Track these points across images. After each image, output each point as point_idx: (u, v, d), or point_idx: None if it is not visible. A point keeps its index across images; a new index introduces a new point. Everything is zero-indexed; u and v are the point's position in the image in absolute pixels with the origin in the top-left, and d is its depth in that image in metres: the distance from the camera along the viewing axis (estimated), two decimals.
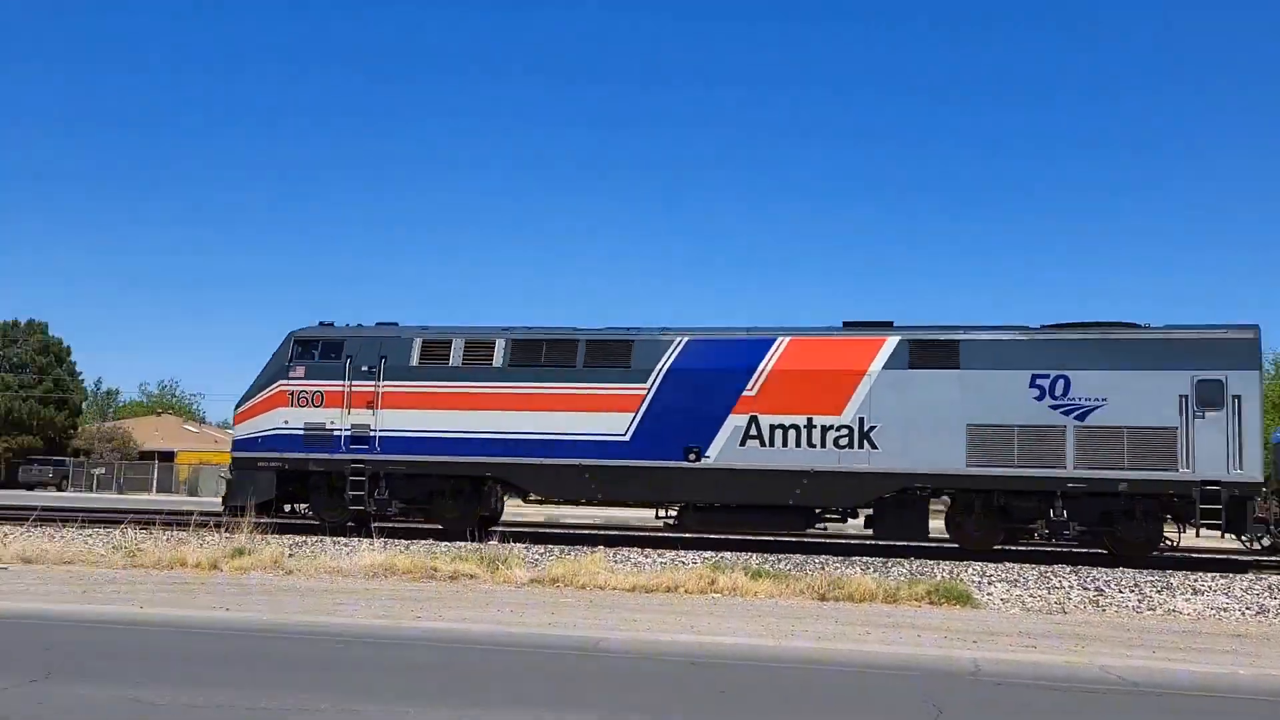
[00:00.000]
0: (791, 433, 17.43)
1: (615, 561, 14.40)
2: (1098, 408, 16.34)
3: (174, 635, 8.86)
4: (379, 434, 18.74)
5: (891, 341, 17.42)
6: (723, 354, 18.11)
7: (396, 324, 19.78)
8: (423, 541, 16.98)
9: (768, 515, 18.14)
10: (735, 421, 17.60)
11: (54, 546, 14.83)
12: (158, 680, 6.82)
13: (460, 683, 7.24)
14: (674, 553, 15.59)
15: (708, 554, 15.33)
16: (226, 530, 15.80)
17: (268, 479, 18.98)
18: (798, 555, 15.57)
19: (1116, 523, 16.62)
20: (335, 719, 5.86)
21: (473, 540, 16.94)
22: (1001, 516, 17.17)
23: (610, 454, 18.05)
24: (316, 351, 19.41)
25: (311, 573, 13.49)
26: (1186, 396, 16.09)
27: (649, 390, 17.99)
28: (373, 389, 18.87)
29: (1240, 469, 15.93)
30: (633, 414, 17.98)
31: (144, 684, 6.66)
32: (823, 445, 17.26)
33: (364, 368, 18.99)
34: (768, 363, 17.72)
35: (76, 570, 13.45)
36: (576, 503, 22.32)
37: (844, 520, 18.56)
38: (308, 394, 19.15)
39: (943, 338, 17.41)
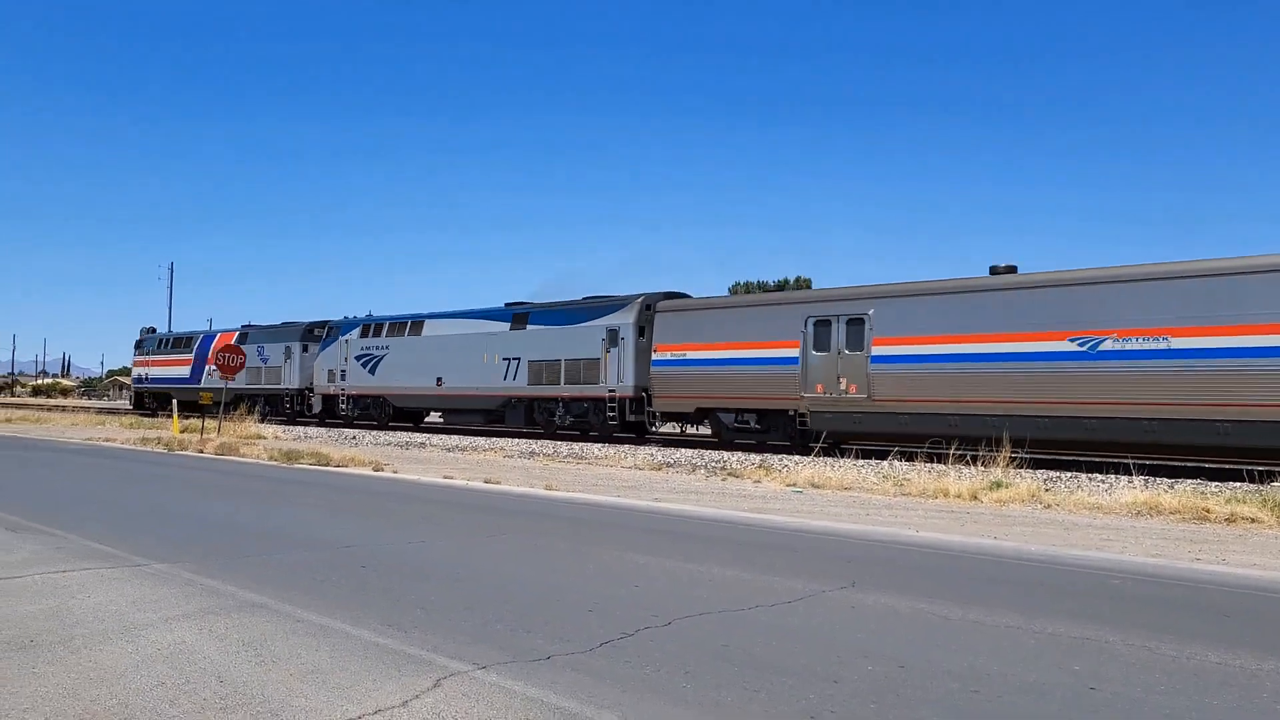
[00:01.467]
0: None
1: None
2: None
3: (945, 558, 9.52)
4: None
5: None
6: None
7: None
8: (1189, 481, 15.81)
9: None
10: None
11: (835, 474, 16.89)
12: (943, 596, 7.44)
13: (1262, 632, 6.67)
14: None
15: None
16: (982, 464, 16.43)
17: None
18: None
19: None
20: (1126, 653, 5.85)
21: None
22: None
23: None
24: None
25: (1071, 507, 13.41)
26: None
27: None
28: None
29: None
30: None
31: (934, 598, 7.34)
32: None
33: None
34: None
35: (855, 495, 15.13)
36: None
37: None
38: None
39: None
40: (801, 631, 6.20)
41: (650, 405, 26.85)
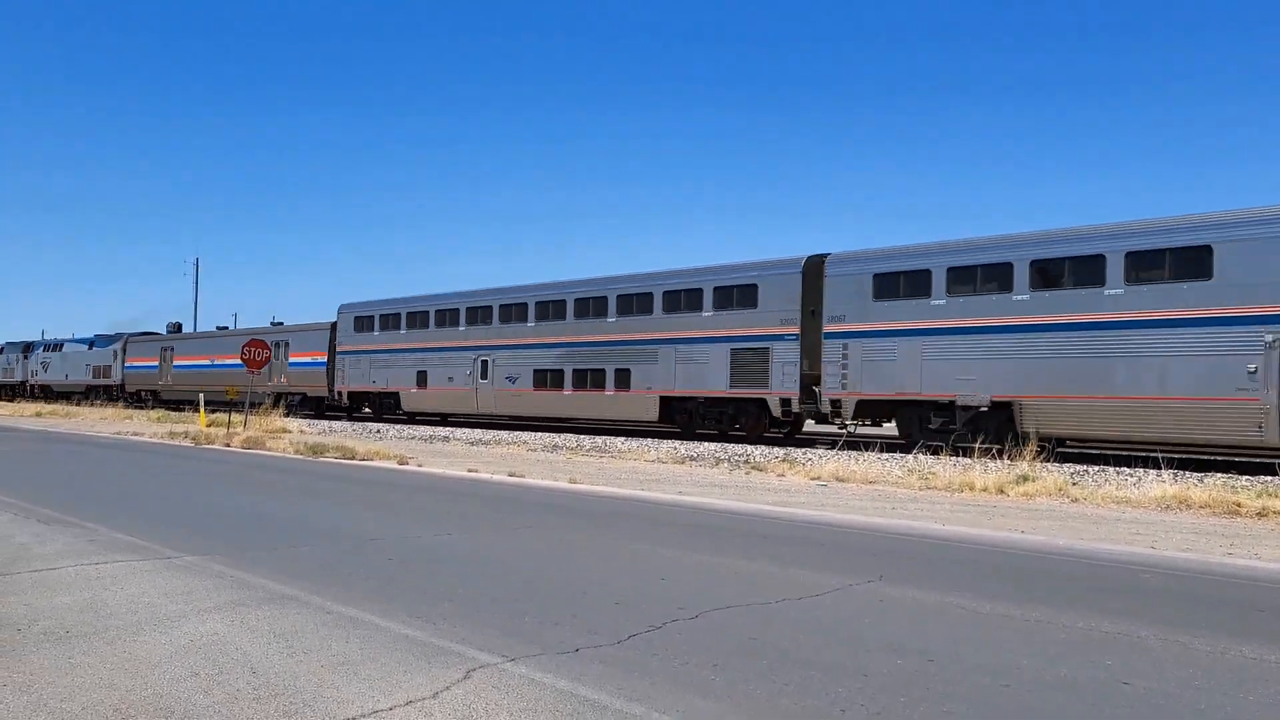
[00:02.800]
0: None
1: None
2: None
3: (972, 551, 9.47)
4: None
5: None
6: None
7: None
8: (1219, 475, 15.65)
9: None
10: None
11: (859, 468, 16.83)
12: (971, 590, 7.40)
13: None
14: None
15: None
16: (1008, 458, 16.33)
17: None
18: None
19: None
20: (1159, 648, 5.80)
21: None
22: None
23: None
24: None
25: (1098, 501, 13.31)
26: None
27: None
28: None
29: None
30: None
31: (962, 592, 7.30)
32: None
33: None
34: None
35: (880, 489, 15.08)
36: None
37: None
38: None
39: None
40: (829, 625, 6.19)
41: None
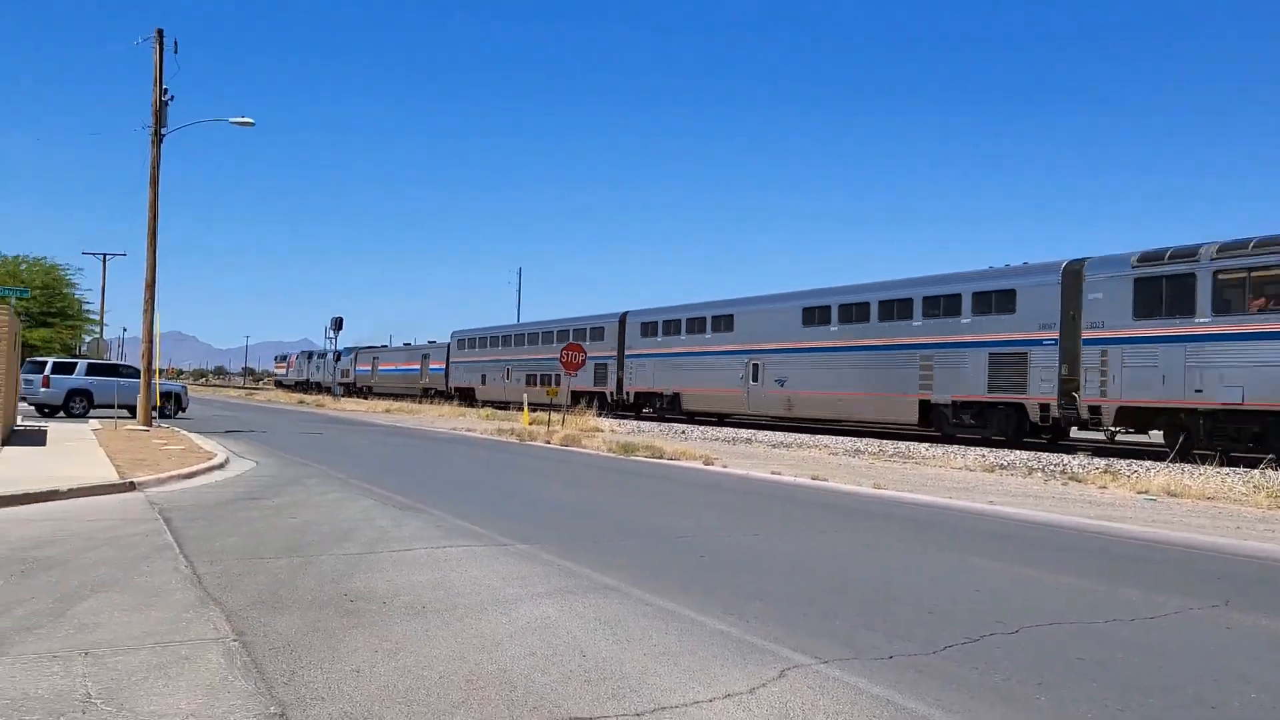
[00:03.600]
0: None
1: None
2: None
3: None
4: None
5: None
6: None
7: None
8: None
9: None
10: None
11: (1194, 482, 15.38)
12: None
13: None
14: None
15: None
16: None
17: None
18: None
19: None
20: None
21: None
22: None
23: None
24: None
25: None
26: None
27: None
28: None
29: None
30: None
31: None
32: None
33: None
34: None
35: (1219, 506, 13.68)
36: None
37: None
38: None
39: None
40: (1166, 649, 5.75)
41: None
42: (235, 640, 5.39)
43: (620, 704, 4.53)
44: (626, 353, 42.30)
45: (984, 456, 21.52)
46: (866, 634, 5.88)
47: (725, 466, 18.93)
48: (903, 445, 25.42)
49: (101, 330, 60.49)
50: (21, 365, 31.68)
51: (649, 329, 41.06)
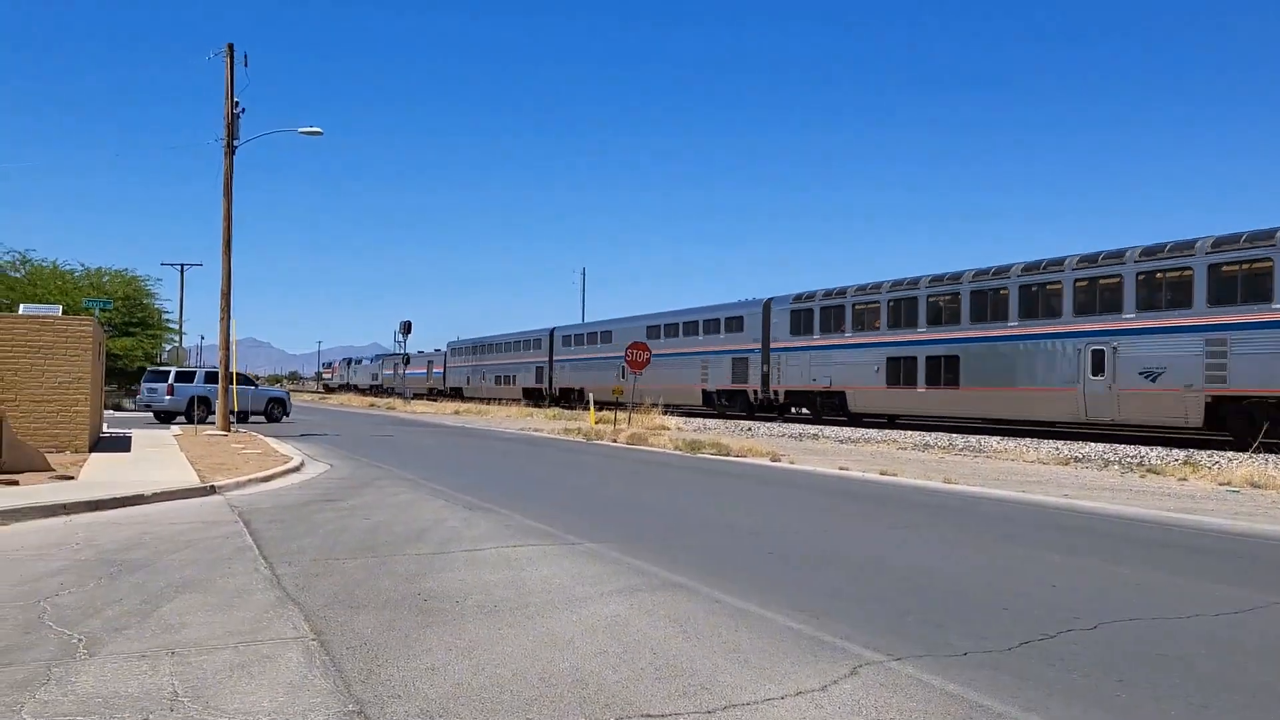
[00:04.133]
0: None
1: None
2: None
3: None
4: None
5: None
6: None
7: None
8: None
9: None
10: None
11: (1278, 473, 14.91)
12: None
13: None
14: None
15: None
16: None
17: None
18: None
19: None
20: None
21: None
22: None
23: None
24: None
25: None
26: None
27: None
28: None
29: None
30: None
31: None
32: None
33: None
34: None
35: None
36: None
37: None
38: None
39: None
40: (1252, 646, 5.59)
41: None
42: (314, 639, 5.52)
43: (691, 701, 4.54)
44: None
45: (1057, 450, 21.11)
46: (939, 631, 5.82)
47: (792, 463, 18.83)
48: (973, 439, 25.04)
49: (180, 339, 62.22)
50: (143, 376, 34.69)
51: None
